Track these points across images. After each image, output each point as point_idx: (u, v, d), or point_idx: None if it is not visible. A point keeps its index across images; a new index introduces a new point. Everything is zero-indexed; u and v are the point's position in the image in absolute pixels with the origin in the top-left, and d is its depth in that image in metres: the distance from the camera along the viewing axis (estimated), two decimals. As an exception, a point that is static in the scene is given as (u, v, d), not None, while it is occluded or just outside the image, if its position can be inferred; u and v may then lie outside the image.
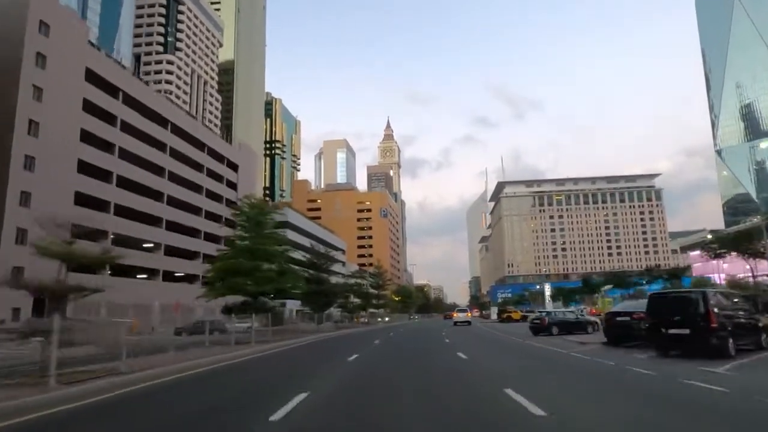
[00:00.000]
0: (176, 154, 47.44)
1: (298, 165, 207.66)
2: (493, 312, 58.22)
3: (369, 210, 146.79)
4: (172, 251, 45.94)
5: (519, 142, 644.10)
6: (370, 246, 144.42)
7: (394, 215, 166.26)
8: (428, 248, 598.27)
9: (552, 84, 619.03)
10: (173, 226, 45.71)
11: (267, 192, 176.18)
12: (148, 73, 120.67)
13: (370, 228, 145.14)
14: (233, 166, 54.08)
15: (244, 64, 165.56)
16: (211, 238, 50.07)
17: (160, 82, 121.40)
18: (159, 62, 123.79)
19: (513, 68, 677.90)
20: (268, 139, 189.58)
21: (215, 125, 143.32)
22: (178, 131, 48.48)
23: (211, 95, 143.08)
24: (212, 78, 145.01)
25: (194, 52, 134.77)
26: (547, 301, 50.88)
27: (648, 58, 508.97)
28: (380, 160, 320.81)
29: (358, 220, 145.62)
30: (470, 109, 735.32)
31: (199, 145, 50.98)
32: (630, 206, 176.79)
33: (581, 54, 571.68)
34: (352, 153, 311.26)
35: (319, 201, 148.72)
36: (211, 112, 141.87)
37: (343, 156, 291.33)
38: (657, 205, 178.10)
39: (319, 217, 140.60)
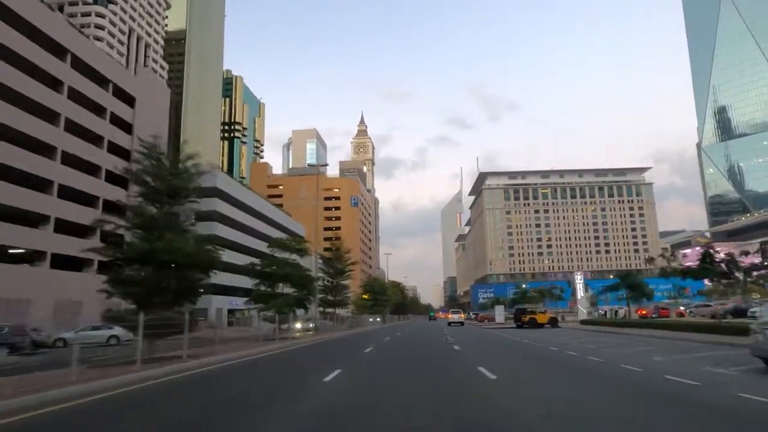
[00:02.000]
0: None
1: (262, 151, 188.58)
2: (499, 312, 42.84)
3: (338, 198, 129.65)
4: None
5: (494, 144, 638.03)
6: (338, 238, 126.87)
7: (367, 206, 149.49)
8: (401, 249, 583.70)
9: (529, 86, 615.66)
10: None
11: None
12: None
13: (339, 218, 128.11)
14: (126, 98, 36.25)
15: (198, 32, 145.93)
16: (77, 196, 32.01)
17: (87, 38, 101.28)
18: (86, 14, 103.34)
19: (490, 69, 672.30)
20: (227, 120, 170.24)
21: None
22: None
23: (155, 61, 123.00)
24: (157, 42, 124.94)
25: (133, 9, 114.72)
26: (580, 296, 35.45)
27: (629, 64, 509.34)
28: (353, 157, 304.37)
29: (326, 209, 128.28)
30: (446, 110, 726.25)
31: (55, 48, 33.08)
32: (619, 201, 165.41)
33: (561, 56, 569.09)
34: (323, 145, 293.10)
35: (281, 187, 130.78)
36: (156, 59, 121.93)
37: (313, 147, 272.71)
38: (647, 201, 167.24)
39: (280, 205, 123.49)
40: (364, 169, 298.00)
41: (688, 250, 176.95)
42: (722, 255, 30.43)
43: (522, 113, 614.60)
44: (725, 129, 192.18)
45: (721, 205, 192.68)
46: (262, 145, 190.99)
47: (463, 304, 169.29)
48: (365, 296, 51.80)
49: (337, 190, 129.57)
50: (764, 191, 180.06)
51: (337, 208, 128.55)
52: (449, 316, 54.62)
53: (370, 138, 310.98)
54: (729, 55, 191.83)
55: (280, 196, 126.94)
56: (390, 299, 54.96)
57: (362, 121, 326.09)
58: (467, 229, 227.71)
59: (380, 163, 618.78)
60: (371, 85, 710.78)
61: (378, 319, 49.39)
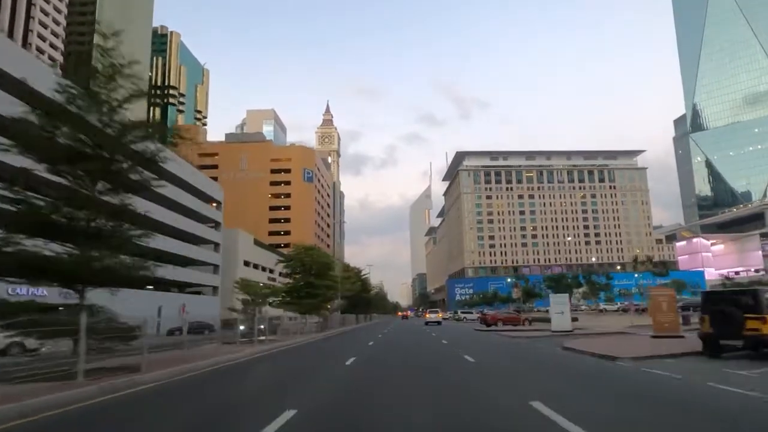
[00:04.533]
0: None
1: (205, 123, 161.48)
2: (560, 308, 20.51)
3: (288, 171, 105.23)
4: None
5: (465, 141, 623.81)
6: (288, 220, 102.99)
7: (325, 185, 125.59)
8: (368, 248, 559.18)
9: (500, 85, 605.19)
10: None
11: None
12: None
13: (289, 195, 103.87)
14: None
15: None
16: None
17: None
18: None
19: (463, 68, 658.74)
20: (159, 83, 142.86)
21: (54, 47, 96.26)
22: None
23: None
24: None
25: None
26: None
27: (600, 62, 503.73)
28: (318, 147, 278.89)
29: (272, 183, 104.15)
30: (417, 108, 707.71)
31: None
32: (610, 187, 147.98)
33: (535, 56, 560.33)
34: (282, 127, 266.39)
35: (217, 156, 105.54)
36: (48, 12, 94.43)
37: (270, 129, 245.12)
38: (640, 187, 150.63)
39: (215, 178, 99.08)
40: (329, 159, 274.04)
41: (682, 243, 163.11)
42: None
43: (493, 112, 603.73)
44: (715, 116, 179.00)
45: (708, 197, 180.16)
46: (205, 117, 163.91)
47: (436, 302, 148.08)
48: (290, 277, 28.28)
49: (286, 161, 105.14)
50: (756, 181, 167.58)
51: (287, 183, 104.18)
52: (426, 315, 53.66)
53: (335, 128, 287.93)
54: (719, 38, 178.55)
55: (215, 166, 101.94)
56: (335, 284, 31.67)
57: (328, 110, 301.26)
58: (438, 221, 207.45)
59: (349, 160, 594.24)
60: (341, 80, 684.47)
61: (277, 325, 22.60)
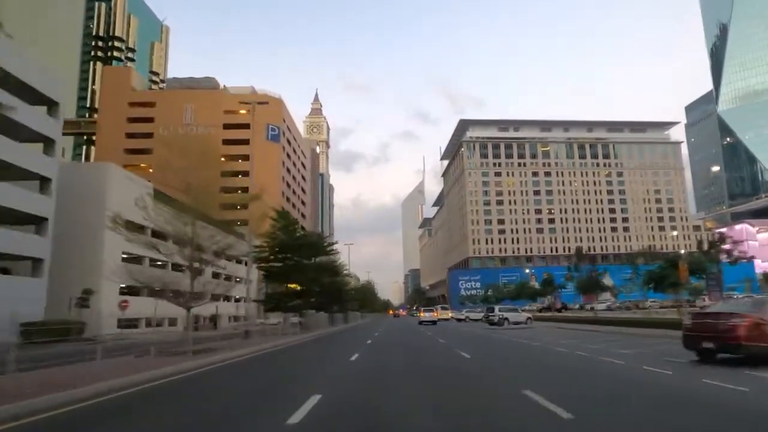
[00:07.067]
0: None
1: (161, 88, 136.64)
2: None
3: (246, 126, 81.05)
4: None
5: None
6: (245, 189, 78.40)
7: (297, 148, 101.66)
8: (360, 248, 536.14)
9: (493, 83, 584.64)
10: None
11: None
12: None
13: (247, 158, 79.17)
14: None
15: None
16: None
17: None
18: None
19: (459, 63, 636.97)
20: (102, 33, 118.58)
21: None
22: None
23: None
24: None
25: None
26: None
27: (596, 54, 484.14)
28: (306, 137, 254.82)
29: (226, 142, 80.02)
30: (409, 106, 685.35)
31: None
32: (640, 163, 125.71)
33: (533, 55, 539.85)
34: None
35: (154, 106, 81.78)
36: None
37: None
38: (675, 165, 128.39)
39: (150, 134, 76.44)
40: (318, 149, 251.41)
41: (723, 230, 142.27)
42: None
43: (489, 110, 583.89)
44: (748, 92, 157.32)
45: (736, 182, 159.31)
46: (162, 81, 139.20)
47: (433, 299, 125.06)
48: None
49: (245, 112, 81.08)
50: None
51: (245, 142, 79.98)
52: (421, 314, 46.58)
53: (324, 117, 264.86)
54: (753, 5, 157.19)
55: (151, 119, 78.29)
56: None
57: (316, 99, 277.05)
58: (434, 211, 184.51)
59: (341, 157, 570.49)
60: (335, 77, 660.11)
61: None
